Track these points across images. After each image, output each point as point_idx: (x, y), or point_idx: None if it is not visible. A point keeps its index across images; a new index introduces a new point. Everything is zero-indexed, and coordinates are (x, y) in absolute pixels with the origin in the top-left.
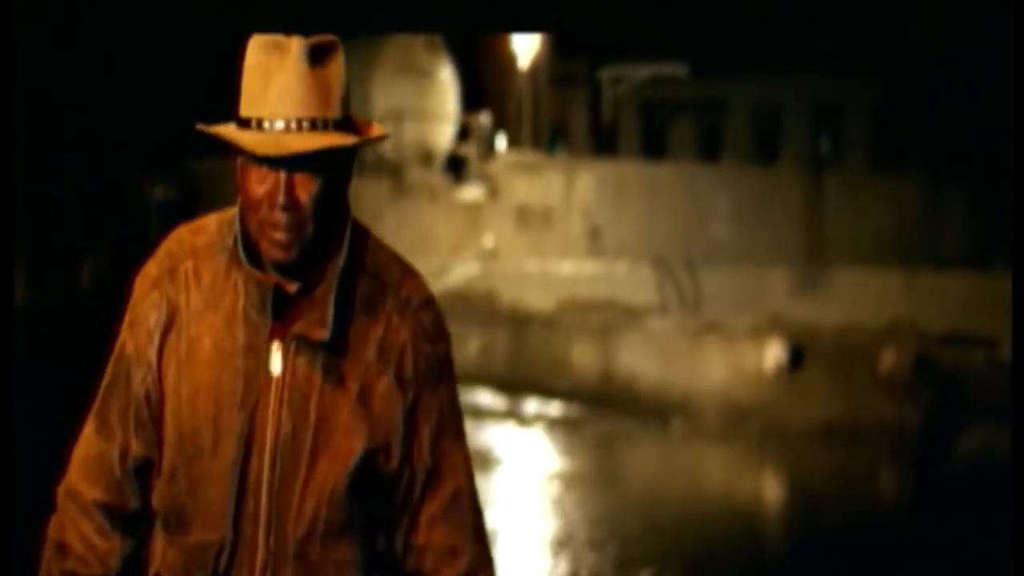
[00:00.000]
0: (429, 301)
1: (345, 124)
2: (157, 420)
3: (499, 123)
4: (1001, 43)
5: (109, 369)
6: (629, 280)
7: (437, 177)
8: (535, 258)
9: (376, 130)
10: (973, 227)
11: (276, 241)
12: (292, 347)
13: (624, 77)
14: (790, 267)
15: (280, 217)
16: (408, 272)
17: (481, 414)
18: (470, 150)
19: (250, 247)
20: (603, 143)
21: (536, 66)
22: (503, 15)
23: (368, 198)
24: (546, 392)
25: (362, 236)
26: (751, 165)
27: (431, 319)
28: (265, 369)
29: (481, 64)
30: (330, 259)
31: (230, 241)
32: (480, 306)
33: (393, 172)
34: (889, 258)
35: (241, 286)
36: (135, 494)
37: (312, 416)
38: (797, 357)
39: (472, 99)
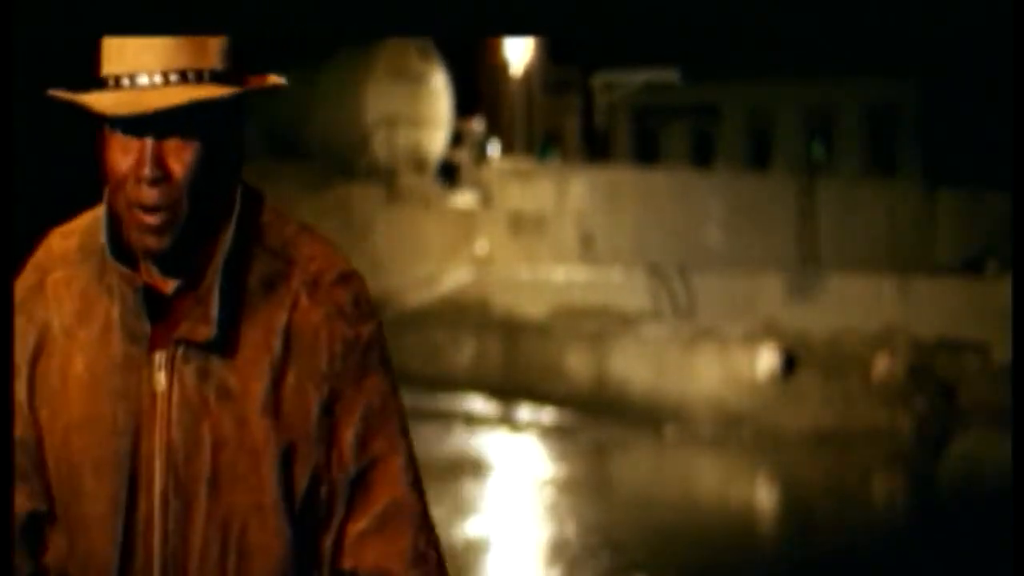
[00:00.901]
0: (346, 276)
1: (229, 76)
2: (39, 466)
3: (492, 129)
4: (998, 45)
5: None
6: (622, 287)
7: (430, 184)
8: (528, 265)
9: (270, 79)
10: (967, 232)
11: (145, 225)
12: (178, 355)
13: (617, 83)
14: (783, 273)
15: (148, 194)
16: (320, 246)
17: (474, 421)
18: (463, 157)
19: (120, 238)
20: (596, 149)
21: (529, 72)
22: (497, 18)
23: (360, 205)
24: (539, 399)
25: (258, 210)
26: (744, 171)
27: (351, 297)
28: (148, 386)
29: (474, 70)
30: (217, 244)
31: (103, 238)
32: (473, 313)
33: (386, 179)
34: (882, 264)
35: (116, 289)
36: (27, 557)
37: (207, 437)
38: (790, 363)
39: (465, 105)
